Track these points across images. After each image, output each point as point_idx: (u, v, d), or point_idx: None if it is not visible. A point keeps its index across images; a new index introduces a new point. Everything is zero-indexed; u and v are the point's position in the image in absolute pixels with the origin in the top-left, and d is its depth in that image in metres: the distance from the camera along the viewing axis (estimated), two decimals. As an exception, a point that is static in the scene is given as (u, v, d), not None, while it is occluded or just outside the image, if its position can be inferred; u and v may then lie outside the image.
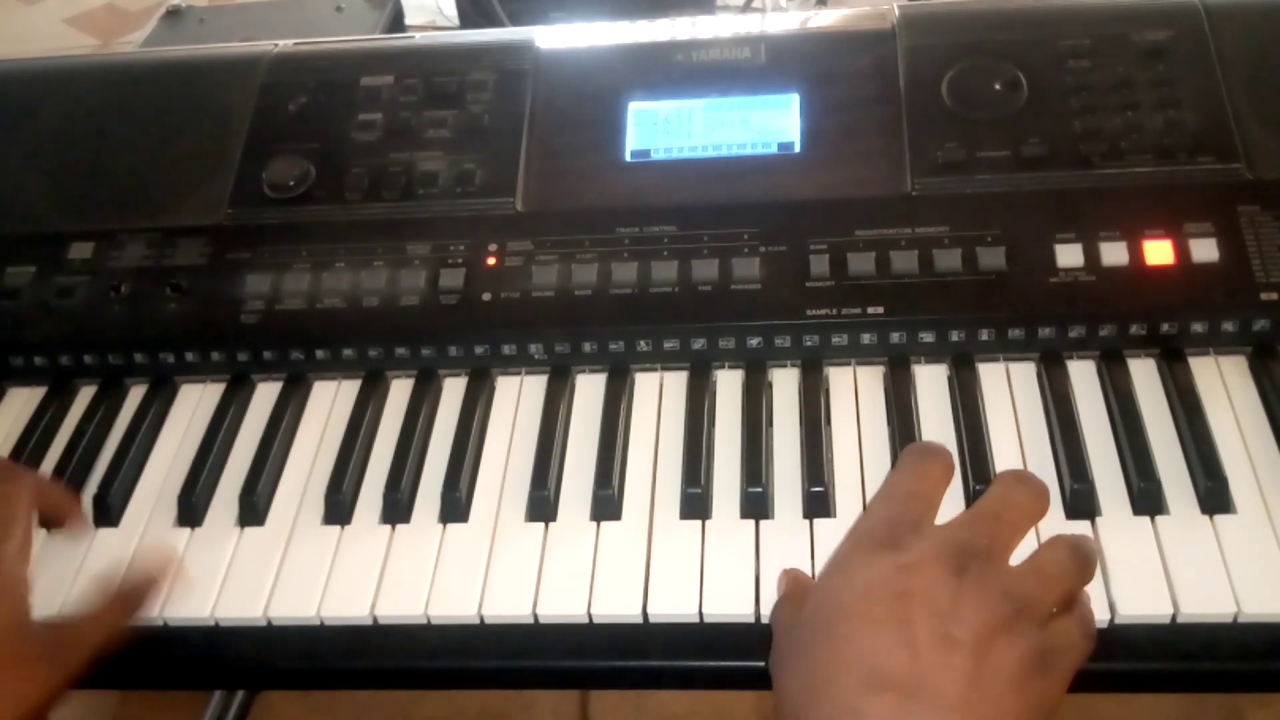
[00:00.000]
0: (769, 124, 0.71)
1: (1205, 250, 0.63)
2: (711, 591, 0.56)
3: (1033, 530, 0.56)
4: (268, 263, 0.70)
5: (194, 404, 0.71)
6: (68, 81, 0.81)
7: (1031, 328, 0.64)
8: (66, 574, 0.62)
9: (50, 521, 0.64)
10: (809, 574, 0.56)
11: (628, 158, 0.72)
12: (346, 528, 0.62)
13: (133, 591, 0.59)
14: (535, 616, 0.57)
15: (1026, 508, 0.51)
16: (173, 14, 1.39)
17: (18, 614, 0.56)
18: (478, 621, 0.58)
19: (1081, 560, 0.50)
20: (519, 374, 0.69)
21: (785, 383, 0.66)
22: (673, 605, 0.56)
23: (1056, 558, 0.49)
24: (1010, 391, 0.64)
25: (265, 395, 0.70)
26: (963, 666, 0.43)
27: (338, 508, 0.63)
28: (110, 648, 0.57)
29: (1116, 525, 0.57)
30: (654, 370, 0.68)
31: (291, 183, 0.72)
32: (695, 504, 0.60)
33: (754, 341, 0.66)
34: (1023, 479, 0.52)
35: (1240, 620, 0.53)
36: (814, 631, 0.48)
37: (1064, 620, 0.48)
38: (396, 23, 1.37)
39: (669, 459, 0.63)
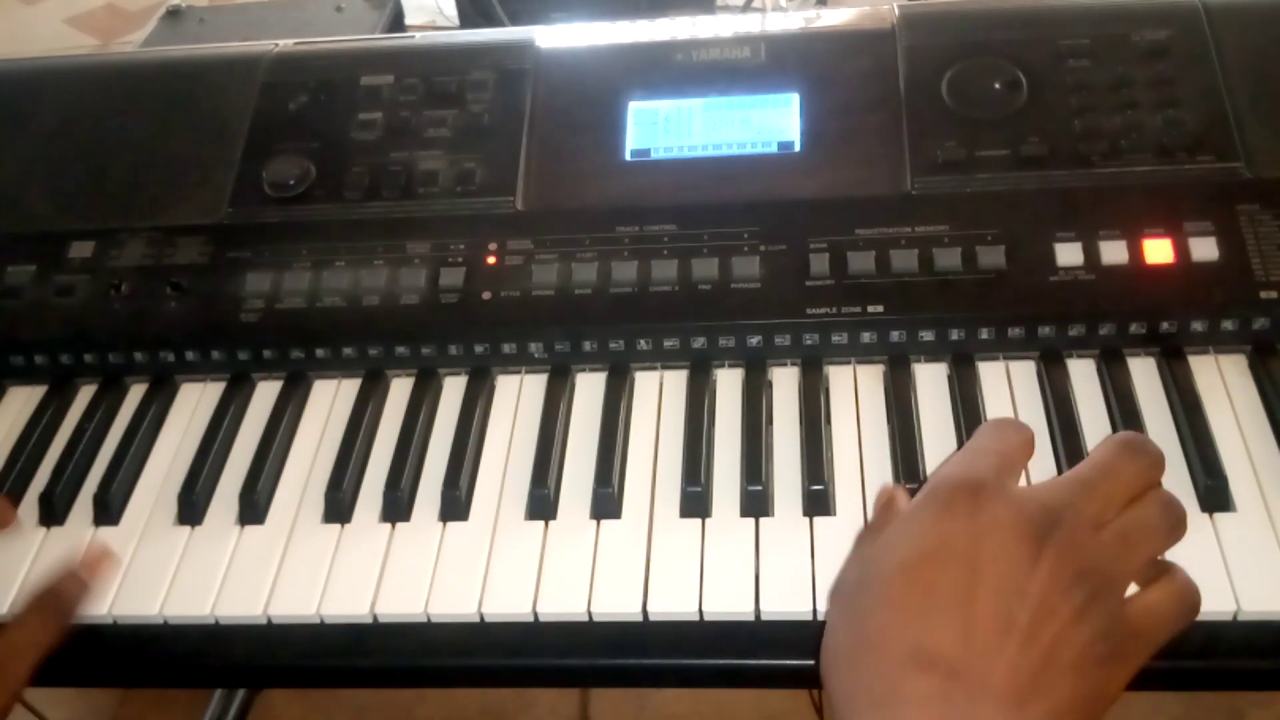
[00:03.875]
0: (769, 123, 0.71)
1: (1205, 249, 0.63)
2: (711, 589, 0.56)
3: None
4: (268, 262, 0.70)
5: (194, 403, 0.71)
6: (68, 81, 0.81)
7: (1031, 326, 0.64)
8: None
9: None
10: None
11: (628, 157, 0.72)
12: (346, 526, 0.62)
13: (61, 594, 0.59)
14: (535, 615, 0.57)
15: (1129, 481, 0.46)
16: (173, 14, 1.39)
17: None
18: (478, 620, 0.58)
19: (1173, 521, 0.46)
20: (519, 373, 0.69)
21: (785, 381, 0.66)
22: (673, 603, 0.56)
23: (1145, 518, 0.45)
24: (1010, 390, 0.64)
25: (265, 394, 0.70)
26: (1018, 654, 0.40)
27: (338, 506, 0.63)
28: (49, 652, 0.57)
29: (1116, 524, 0.57)
30: (654, 369, 0.68)
31: (292, 182, 0.72)
32: (695, 502, 0.60)
33: (754, 340, 0.66)
34: (1133, 447, 0.47)
35: (1240, 619, 0.53)
36: (869, 588, 0.45)
37: (1155, 594, 0.44)
38: (396, 23, 1.37)
39: (669, 457, 0.63)
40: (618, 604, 0.57)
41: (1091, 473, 0.46)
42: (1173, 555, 0.54)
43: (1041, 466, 0.60)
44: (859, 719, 0.42)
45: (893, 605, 0.43)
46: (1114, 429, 0.61)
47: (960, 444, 0.61)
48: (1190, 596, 0.45)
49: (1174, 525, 0.46)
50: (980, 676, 0.40)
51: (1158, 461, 0.48)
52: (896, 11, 0.74)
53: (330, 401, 0.69)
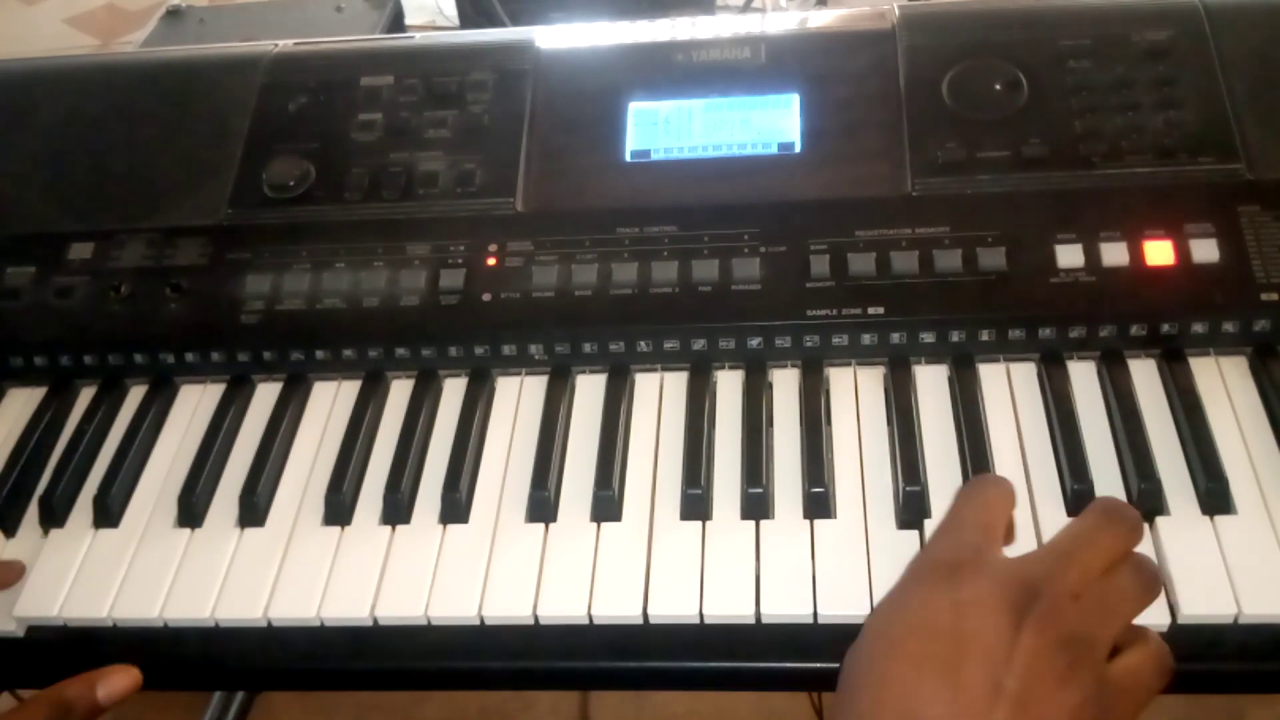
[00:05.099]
0: (769, 124, 0.71)
1: (1205, 250, 0.63)
2: (712, 592, 0.56)
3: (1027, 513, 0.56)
4: (268, 263, 0.70)
5: (194, 404, 0.70)
6: (68, 81, 0.81)
7: (1032, 328, 0.64)
8: (65, 575, 0.62)
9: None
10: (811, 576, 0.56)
11: (628, 158, 0.72)
12: (346, 528, 0.62)
13: (71, 703, 0.55)
14: (535, 617, 0.57)
15: (1106, 548, 0.48)
16: (173, 14, 1.39)
17: None
18: (478, 622, 0.58)
19: (1146, 583, 0.48)
20: (519, 374, 0.69)
21: (785, 383, 0.66)
22: (673, 606, 0.56)
23: (1119, 585, 0.47)
24: (1011, 392, 0.64)
25: (265, 395, 0.70)
26: (1007, 718, 0.41)
27: (338, 508, 0.63)
28: None
29: (1117, 526, 0.57)
30: (654, 370, 0.68)
31: (291, 183, 0.72)
32: (695, 505, 0.60)
33: (754, 342, 0.66)
34: (1110, 515, 0.49)
35: (1241, 621, 0.53)
36: (859, 665, 0.46)
37: (1134, 656, 0.46)
38: (396, 23, 1.37)
39: (669, 459, 0.63)
40: (618, 607, 0.57)
41: (1069, 544, 0.48)
42: (1175, 557, 0.55)
43: (1041, 468, 0.60)
44: None
45: (883, 680, 0.44)
46: (1114, 430, 0.61)
47: (961, 446, 0.61)
48: (1165, 658, 0.47)
49: (1148, 587, 0.48)
50: None
51: (1135, 527, 0.49)
52: (896, 11, 0.74)
53: (330, 403, 0.69)
